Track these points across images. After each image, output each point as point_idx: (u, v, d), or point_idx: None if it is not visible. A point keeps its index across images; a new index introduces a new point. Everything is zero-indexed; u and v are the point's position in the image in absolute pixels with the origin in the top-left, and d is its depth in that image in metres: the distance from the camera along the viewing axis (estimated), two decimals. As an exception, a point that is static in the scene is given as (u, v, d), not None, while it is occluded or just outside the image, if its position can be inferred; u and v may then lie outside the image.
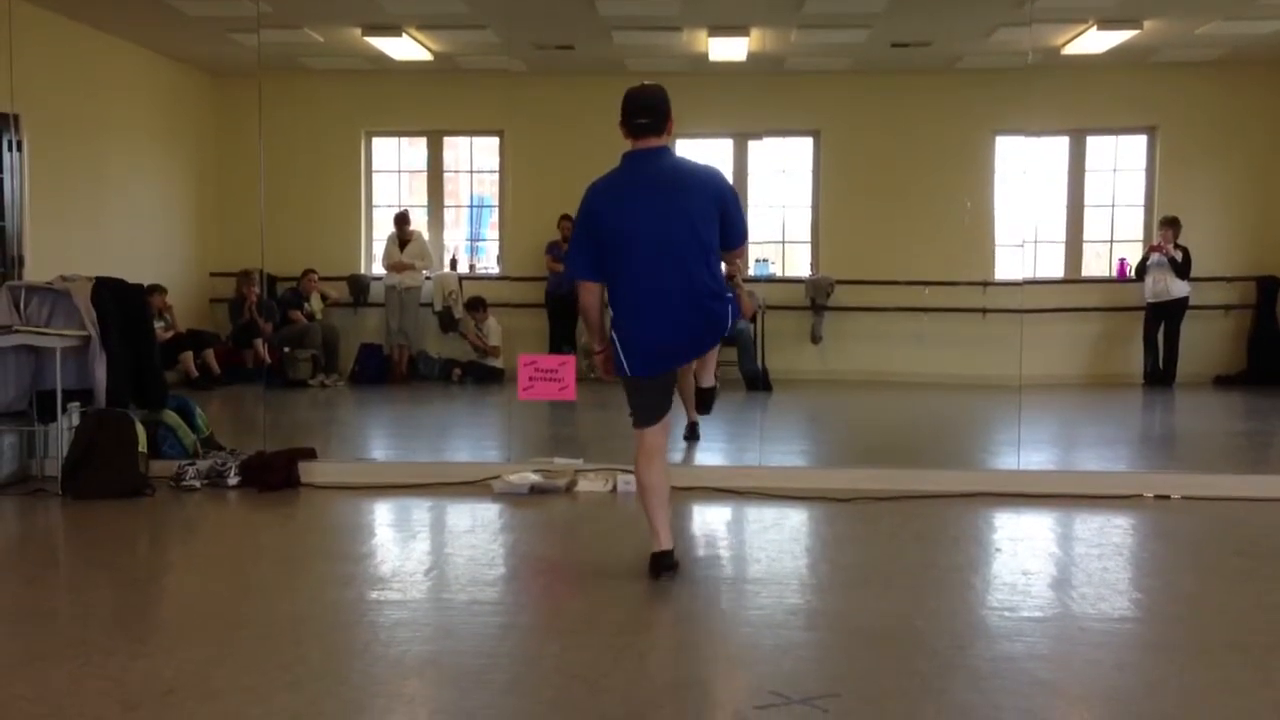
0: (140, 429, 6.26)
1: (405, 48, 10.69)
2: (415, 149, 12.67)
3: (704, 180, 4.41)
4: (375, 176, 12.60)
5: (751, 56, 10.95)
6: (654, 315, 4.33)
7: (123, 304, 6.70)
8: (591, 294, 4.49)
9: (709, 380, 5.03)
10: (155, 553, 5.37)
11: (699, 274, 4.32)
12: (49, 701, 3.19)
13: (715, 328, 4.44)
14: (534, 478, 6.20)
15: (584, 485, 6.22)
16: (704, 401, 5.10)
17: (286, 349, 11.33)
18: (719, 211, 4.37)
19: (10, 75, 7.67)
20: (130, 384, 6.60)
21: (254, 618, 4.02)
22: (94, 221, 10.03)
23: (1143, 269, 11.40)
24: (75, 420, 6.31)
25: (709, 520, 5.74)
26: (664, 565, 4.43)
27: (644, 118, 4.36)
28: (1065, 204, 12.17)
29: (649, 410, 4.50)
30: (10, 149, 8.77)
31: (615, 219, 4.34)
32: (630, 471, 6.04)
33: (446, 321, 11.83)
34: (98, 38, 10.17)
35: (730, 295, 4.47)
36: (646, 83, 4.47)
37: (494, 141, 12.44)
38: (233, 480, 6.24)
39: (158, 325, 9.20)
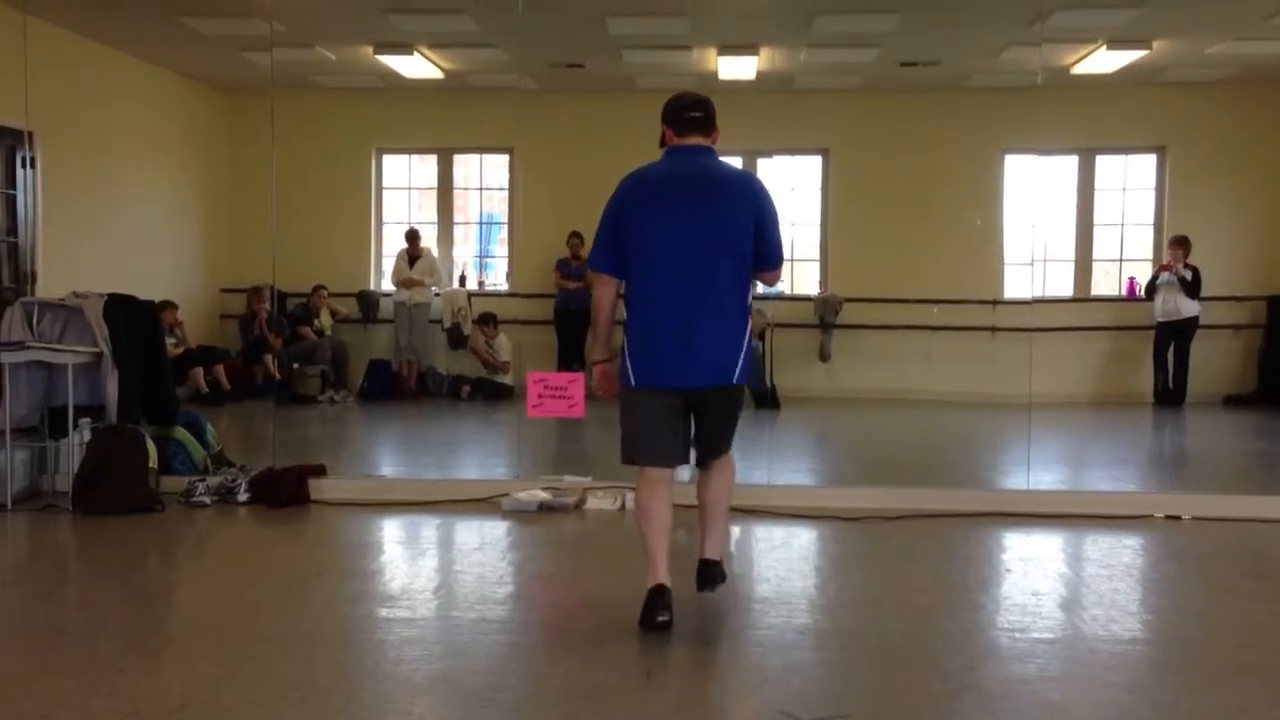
0: (151, 445, 6.29)
1: (416, 66, 10.74)
2: (425, 166, 12.70)
3: (744, 188, 4.16)
4: (385, 193, 12.63)
5: (761, 75, 10.96)
6: (669, 320, 4.03)
7: (134, 320, 6.72)
8: (607, 288, 4.21)
9: (714, 551, 4.33)
10: (166, 569, 5.38)
11: (727, 288, 4.05)
12: (60, 718, 3.19)
13: (728, 355, 4.07)
14: (543, 495, 6.20)
15: (593, 503, 6.22)
16: (705, 577, 4.32)
17: (296, 365, 11.37)
18: (756, 225, 4.10)
19: (25, 92, 7.72)
20: (141, 400, 6.62)
21: (264, 634, 4.03)
22: (106, 238, 10.08)
23: (1152, 288, 11.37)
24: (86, 436, 6.33)
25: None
26: (661, 604, 4.00)
27: (696, 111, 4.17)
28: (1075, 223, 12.16)
29: (645, 439, 4.14)
30: (24, 165, 8.82)
31: (645, 214, 4.09)
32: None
33: (455, 338, 11.85)
34: (111, 55, 10.24)
35: (751, 346, 4.17)
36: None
37: (504, 159, 12.47)
38: (243, 496, 6.25)
39: (169, 341, 9.21)
